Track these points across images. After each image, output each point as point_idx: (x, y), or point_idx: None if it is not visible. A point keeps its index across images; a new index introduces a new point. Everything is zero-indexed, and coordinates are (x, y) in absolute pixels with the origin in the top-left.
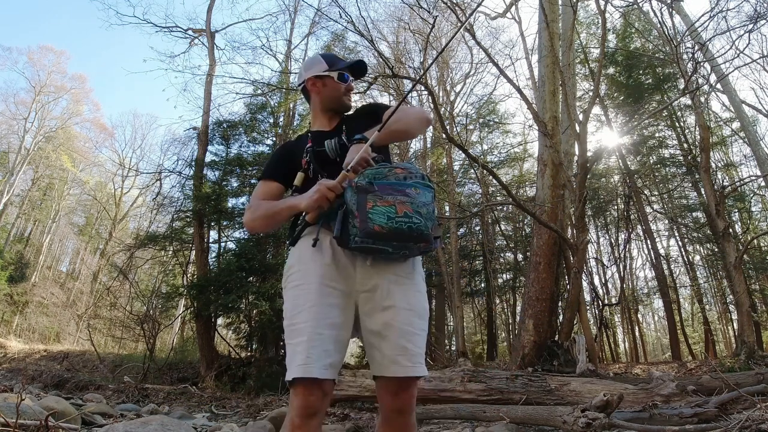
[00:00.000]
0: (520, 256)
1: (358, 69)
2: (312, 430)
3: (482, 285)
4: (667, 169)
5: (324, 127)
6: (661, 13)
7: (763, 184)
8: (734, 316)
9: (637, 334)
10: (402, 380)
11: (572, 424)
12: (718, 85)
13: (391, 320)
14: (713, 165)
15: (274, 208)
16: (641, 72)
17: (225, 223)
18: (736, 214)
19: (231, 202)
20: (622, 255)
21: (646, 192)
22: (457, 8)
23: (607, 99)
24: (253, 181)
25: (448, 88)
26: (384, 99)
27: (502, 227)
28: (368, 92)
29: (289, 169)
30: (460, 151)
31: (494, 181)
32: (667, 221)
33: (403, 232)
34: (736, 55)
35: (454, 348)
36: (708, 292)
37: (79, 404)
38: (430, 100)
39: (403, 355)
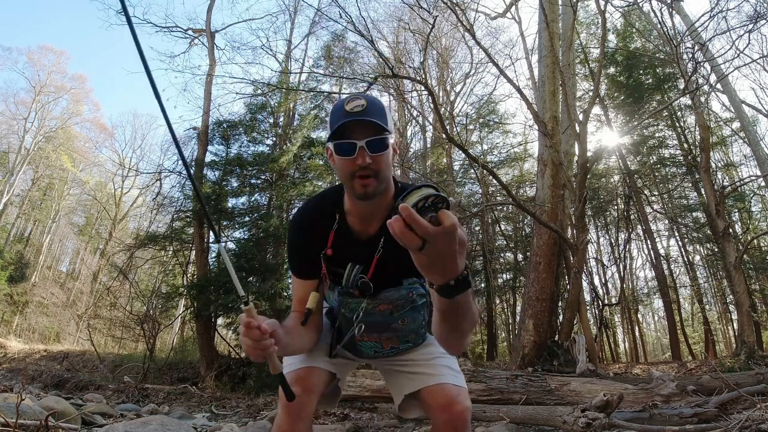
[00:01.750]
0: (520, 256)
1: (360, 127)
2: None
3: (482, 285)
4: (667, 169)
5: (357, 227)
6: (661, 13)
7: (763, 184)
8: (734, 316)
9: (637, 334)
10: (447, 388)
11: (572, 424)
12: (718, 85)
13: (409, 357)
14: (713, 165)
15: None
16: (641, 72)
17: (225, 223)
18: (736, 214)
19: (231, 202)
20: (622, 255)
21: (646, 192)
22: (457, 8)
23: (607, 99)
24: (252, 180)
25: (448, 88)
26: (384, 99)
27: (502, 227)
28: (368, 93)
29: (316, 263)
30: (460, 151)
31: (494, 181)
32: (667, 221)
33: (390, 356)
34: (736, 55)
35: None
36: (708, 292)
37: (79, 404)
38: (430, 100)
39: (430, 369)
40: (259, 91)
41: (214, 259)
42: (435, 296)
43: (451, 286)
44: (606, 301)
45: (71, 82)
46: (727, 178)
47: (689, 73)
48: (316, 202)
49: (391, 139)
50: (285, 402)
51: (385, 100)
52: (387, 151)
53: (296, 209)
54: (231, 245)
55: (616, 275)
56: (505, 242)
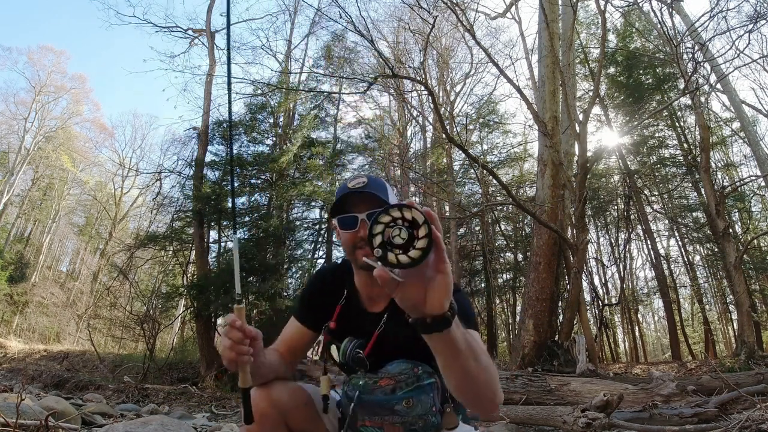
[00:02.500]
0: (520, 256)
1: (361, 201)
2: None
3: (482, 285)
4: (667, 169)
5: (364, 301)
6: (661, 13)
7: (763, 184)
8: (734, 316)
9: (637, 334)
10: None
11: (572, 424)
12: (718, 85)
13: None
14: (713, 165)
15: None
16: (641, 72)
17: (225, 223)
18: (736, 214)
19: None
20: (622, 255)
21: (646, 192)
22: (457, 8)
23: (607, 99)
24: (252, 181)
25: (448, 88)
26: (384, 99)
27: (502, 227)
28: (368, 92)
29: (321, 319)
30: (460, 151)
31: (494, 181)
32: (667, 221)
33: None
34: (736, 55)
35: None
36: (708, 292)
37: (79, 404)
38: (430, 100)
39: None
40: (259, 91)
41: (214, 259)
42: (434, 342)
43: (452, 307)
44: (606, 301)
45: (71, 82)
46: (727, 178)
47: (689, 73)
48: (330, 274)
49: None
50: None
51: (385, 100)
52: None
53: (319, 268)
54: (231, 245)
55: (616, 275)
56: (505, 242)
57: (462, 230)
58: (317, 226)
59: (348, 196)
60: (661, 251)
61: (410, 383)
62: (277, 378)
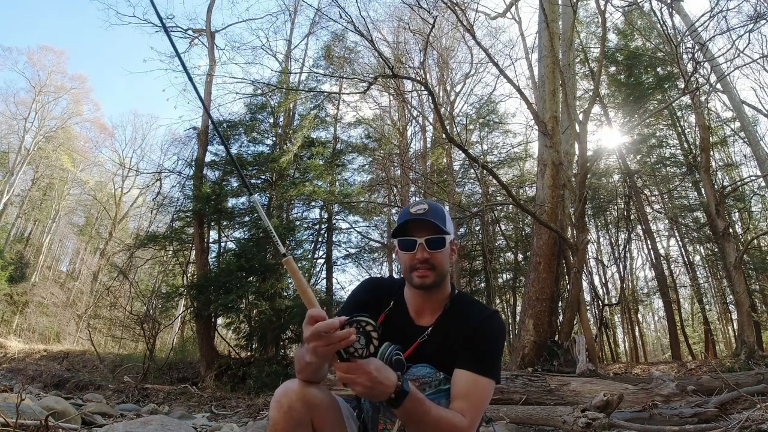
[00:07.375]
0: (520, 256)
1: (421, 227)
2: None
3: (482, 285)
4: (667, 168)
5: (414, 315)
6: (661, 13)
7: (763, 184)
8: (734, 316)
9: (637, 334)
10: None
11: (572, 424)
12: (718, 85)
13: None
14: (713, 165)
15: (301, 359)
16: (641, 71)
17: (225, 223)
18: (736, 214)
19: (231, 202)
20: (622, 255)
21: (646, 192)
22: (457, 8)
23: (607, 99)
24: (253, 180)
25: (448, 88)
26: (384, 99)
27: (502, 227)
28: (369, 92)
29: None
30: (460, 151)
31: (494, 181)
32: (667, 221)
33: None
34: (736, 55)
35: None
36: (708, 292)
37: (79, 404)
38: (430, 100)
39: None
40: (259, 91)
41: (213, 259)
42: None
43: (392, 398)
44: (606, 301)
45: (71, 82)
46: (727, 178)
47: (689, 73)
48: (381, 283)
49: (449, 240)
50: (278, 400)
51: (385, 100)
52: (444, 249)
53: (368, 277)
54: (231, 245)
55: (616, 275)
56: (505, 242)
57: (462, 230)
58: (317, 226)
59: (409, 221)
60: (661, 251)
61: (433, 386)
62: (320, 376)
